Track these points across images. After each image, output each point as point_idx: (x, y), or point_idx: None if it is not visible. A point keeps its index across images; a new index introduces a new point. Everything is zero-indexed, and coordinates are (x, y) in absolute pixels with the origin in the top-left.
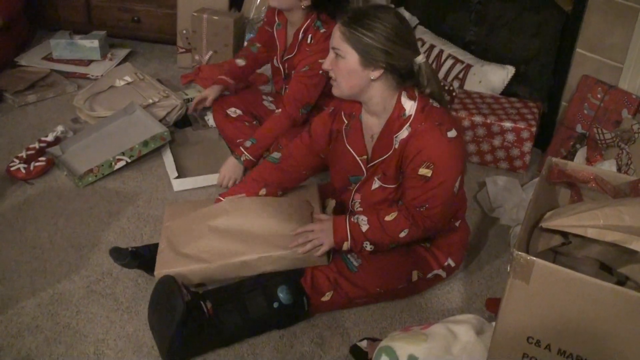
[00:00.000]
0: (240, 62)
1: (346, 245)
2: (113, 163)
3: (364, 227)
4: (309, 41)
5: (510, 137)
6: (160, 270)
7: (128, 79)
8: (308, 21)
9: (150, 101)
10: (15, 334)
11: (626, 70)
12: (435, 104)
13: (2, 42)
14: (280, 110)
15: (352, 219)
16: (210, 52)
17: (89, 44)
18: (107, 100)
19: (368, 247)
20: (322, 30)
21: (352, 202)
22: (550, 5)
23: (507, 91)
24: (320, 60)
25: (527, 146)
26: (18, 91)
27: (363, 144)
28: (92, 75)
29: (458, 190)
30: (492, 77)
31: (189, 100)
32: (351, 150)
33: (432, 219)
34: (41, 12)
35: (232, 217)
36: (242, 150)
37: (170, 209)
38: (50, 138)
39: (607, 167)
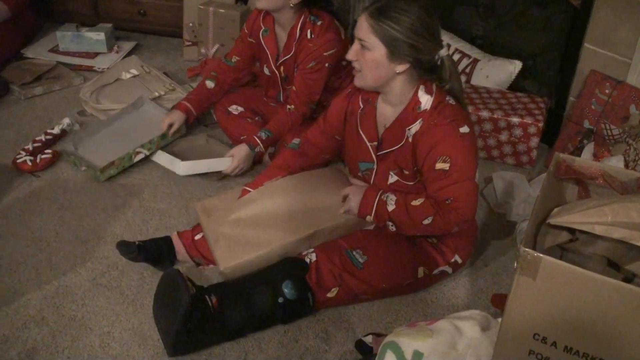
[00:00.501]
0: (210, 84)
1: (369, 219)
2: (133, 156)
3: (390, 207)
4: (309, 36)
5: (517, 132)
6: (228, 264)
7: (134, 71)
8: (302, 18)
9: (157, 94)
10: (21, 326)
11: (634, 65)
12: (451, 101)
13: (9, 34)
14: (293, 106)
15: (382, 197)
16: (217, 45)
17: (96, 37)
18: (114, 93)
19: (391, 226)
20: (319, 23)
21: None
22: (559, 0)
23: (515, 86)
24: (325, 53)
25: (534, 141)
26: (24, 83)
27: (375, 130)
28: (99, 68)
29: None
30: (499, 71)
31: None
32: (362, 134)
33: (459, 212)
34: (48, 4)
35: (272, 200)
36: (258, 141)
37: (201, 205)
38: (56, 130)
39: (615, 163)
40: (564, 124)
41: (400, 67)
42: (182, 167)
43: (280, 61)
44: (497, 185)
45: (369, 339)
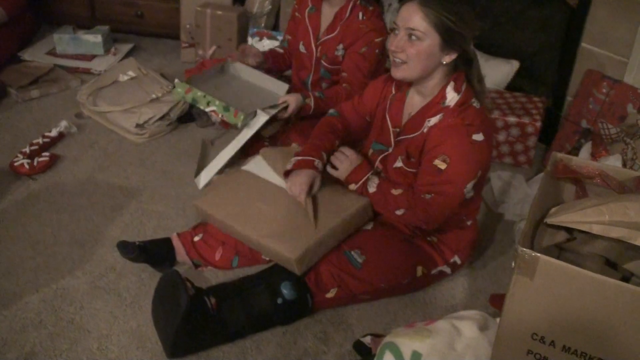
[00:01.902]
0: (279, 50)
1: (352, 187)
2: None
3: (371, 189)
4: (360, 18)
5: (514, 132)
6: (297, 254)
7: (132, 73)
8: (353, 0)
9: (154, 96)
10: (19, 329)
11: (631, 64)
12: (476, 104)
13: (6, 36)
14: (349, 86)
15: (369, 175)
16: (214, 47)
17: (93, 39)
18: (111, 96)
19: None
20: (371, 8)
21: (375, 168)
22: (556, 0)
23: (512, 86)
24: (377, 40)
25: (532, 141)
26: (22, 86)
27: (400, 117)
28: (96, 70)
29: (470, 194)
30: (497, 71)
31: None
32: (388, 119)
33: (430, 211)
34: (45, 6)
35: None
36: (310, 94)
37: (204, 204)
38: (53, 133)
39: (612, 162)
40: (562, 124)
41: (448, 58)
42: (200, 180)
43: (321, 40)
44: (494, 185)
45: (367, 340)
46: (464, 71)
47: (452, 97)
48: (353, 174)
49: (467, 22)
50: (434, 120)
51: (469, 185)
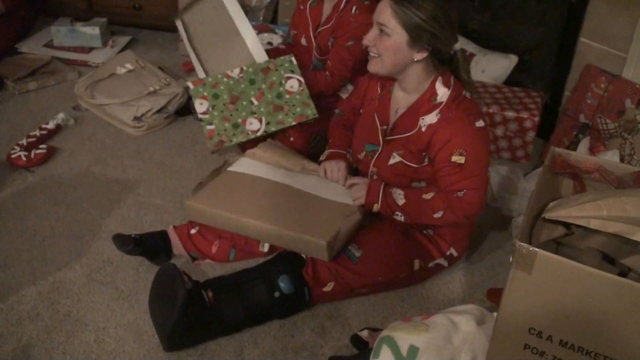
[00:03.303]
0: (281, 47)
1: (376, 208)
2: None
3: (400, 202)
4: (353, 11)
5: (512, 126)
6: (328, 237)
7: (129, 66)
8: None
9: (152, 89)
10: (16, 322)
11: (630, 59)
12: (467, 95)
13: (3, 28)
14: (329, 75)
15: (389, 189)
16: None
17: (90, 31)
18: (108, 88)
19: (399, 217)
20: (366, 3)
21: (370, 173)
22: None
23: (510, 80)
24: (364, 35)
25: (530, 136)
26: (19, 78)
27: (387, 115)
28: (93, 63)
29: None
30: (495, 66)
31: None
32: (376, 118)
33: (471, 206)
34: None
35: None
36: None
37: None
38: (51, 125)
39: (610, 158)
40: (560, 119)
41: (419, 55)
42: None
43: (319, 30)
44: (492, 179)
45: (364, 334)
46: (449, 69)
47: (443, 92)
48: (370, 195)
49: (442, 24)
50: (430, 119)
51: (488, 172)
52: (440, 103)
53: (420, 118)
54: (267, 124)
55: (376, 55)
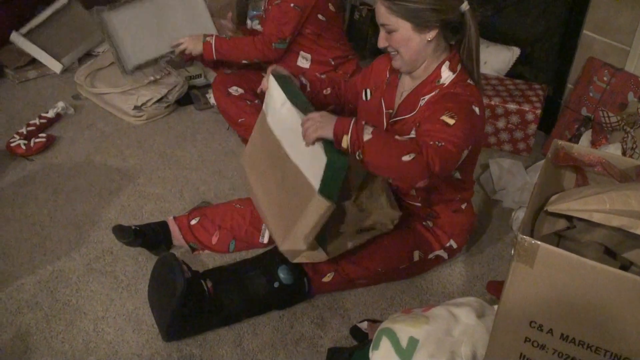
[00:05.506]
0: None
1: (345, 141)
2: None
3: (367, 137)
4: None
5: (514, 119)
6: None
7: None
8: None
9: (152, 78)
10: (15, 310)
11: (633, 52)
12: (471, 82)
13: (2, 17)
14: (259, 36)
15: (359, 122)
16: None
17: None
18: (108, 77)
19: (358, 156)
20: None
21: None
22: None
23: (512, 73)
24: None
25: (532, 129)
26: (18, 67)
27: (393, 99)
28: (94, 52)
29: (466, 167)
30: (498, 58)
31: (190, 78)
32: (382, 102)
33: (440, 159)
34: None
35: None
36: (213, 36)
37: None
38: (50, 114)
39: (612, 151)
40: (562, 112)
41: (430, 35)
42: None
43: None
44: (493, 172)
45: (364, 325)
46: (458, 53)
47: (447, 75)
48: (337, 124)
49: None
50: (429, 97)
51: (464, 153)
52: (442, 85)
53: (421, 98)
54: None
55: (395, 53)
